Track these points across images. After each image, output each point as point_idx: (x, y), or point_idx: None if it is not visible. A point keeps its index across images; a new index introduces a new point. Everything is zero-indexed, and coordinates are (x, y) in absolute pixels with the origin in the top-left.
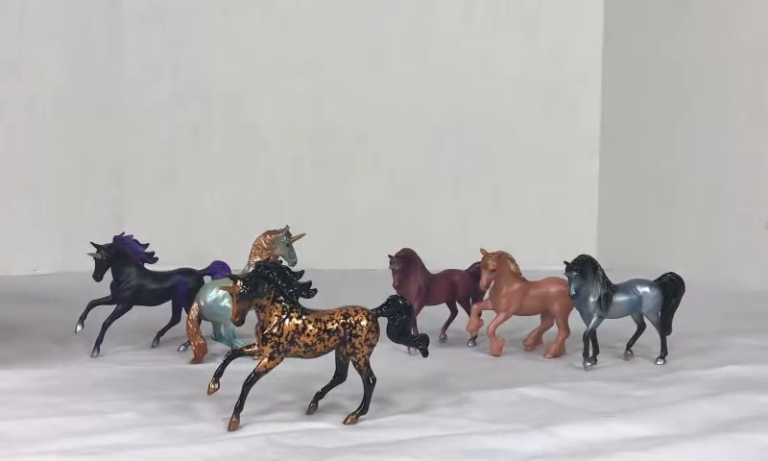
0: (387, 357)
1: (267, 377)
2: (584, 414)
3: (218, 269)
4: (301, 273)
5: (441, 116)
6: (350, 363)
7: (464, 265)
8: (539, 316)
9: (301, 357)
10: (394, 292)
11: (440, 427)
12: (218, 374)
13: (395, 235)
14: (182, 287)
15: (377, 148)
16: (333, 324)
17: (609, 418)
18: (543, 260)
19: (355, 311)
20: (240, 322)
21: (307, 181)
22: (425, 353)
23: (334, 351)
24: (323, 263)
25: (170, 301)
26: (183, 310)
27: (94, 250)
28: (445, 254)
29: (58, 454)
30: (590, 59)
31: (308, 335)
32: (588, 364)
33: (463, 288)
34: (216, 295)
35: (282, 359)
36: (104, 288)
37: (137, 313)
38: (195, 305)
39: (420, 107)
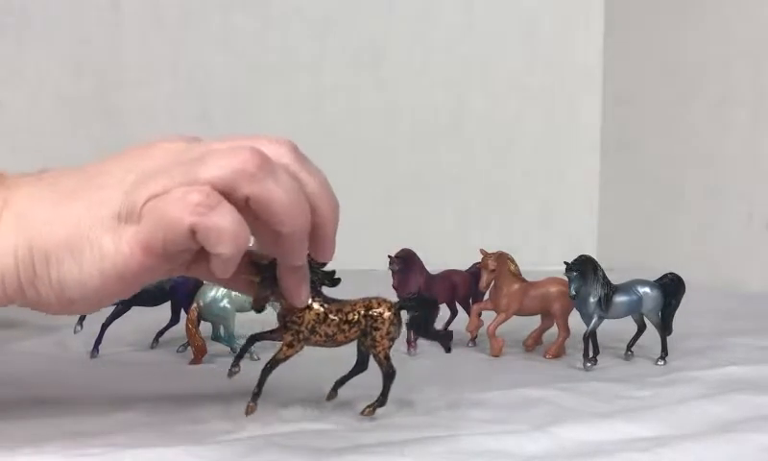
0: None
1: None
2: (584, 414)
3: None
4: (324, 262)
5: (441, 116)
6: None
7: (464, 265)
8: (539, 316)
9: (322, 346)
10: (393, 292)
11: (440, 427)
12: (239, 357)
13: (395, 235)
14: (182, 288)
15: (377, 148)
16: (354, 315)
17: (609, 418)
18: (543, 260)
19: (378, 303)
20: (260, 309)
21: None
22: (448, 350)
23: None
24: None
25: (169, 301)
26: (183, 311)
27: None
28: (445, 254)
29: (57, 454)
30: (591, 59)
31: (329, 325)
32: (589, 364)
33: (463, 288)
34: (215, 295)
35: (302, 347)
36: None
37: (136, 314)
38: (194, 306)
39: (420, 107)
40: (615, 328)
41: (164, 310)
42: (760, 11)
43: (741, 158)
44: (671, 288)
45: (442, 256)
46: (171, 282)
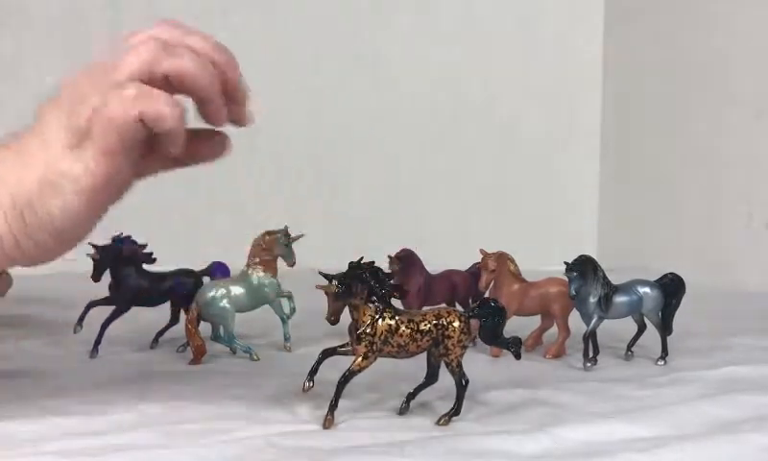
0: (384, 358)
1: (268, 379)
2: (584, 414)
3: (217, 270)
4: (391, 274)
5: (441, 116)
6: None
7: (464, 265)
8: (539, 316)
9: (394, 357)
10: None
11: (439, 428)
12: (312, 372)
13: (395, 235)
14: (181, 288)
15: (377, 148)
16: (426, 325)
17: (609, 418)
18: (544, 261)
19: (447, 313)
20: (335, 321)
21: (307, 180)
22: (518, 356)
23: (425, 352)
24: (322, 263)
25: (168, 302)
26: (182, 311)
27: (92, 250)
28: (445, 253)
29: (57, 454)
30: (591, 58)
31: (401, 335)
32: (589, 364)
33: (463, 288)
34: (215, 295)
35: (376, 359)
36: (103, 289)
37: (136, 314)
38: (194, 306)
39: (420, 107)
40: (615, 328)
41: (164, 310)
42: (761, 10)
43: (741, 158)
44: (671, 288)
45: (442, 256)
46: (170, 283)
